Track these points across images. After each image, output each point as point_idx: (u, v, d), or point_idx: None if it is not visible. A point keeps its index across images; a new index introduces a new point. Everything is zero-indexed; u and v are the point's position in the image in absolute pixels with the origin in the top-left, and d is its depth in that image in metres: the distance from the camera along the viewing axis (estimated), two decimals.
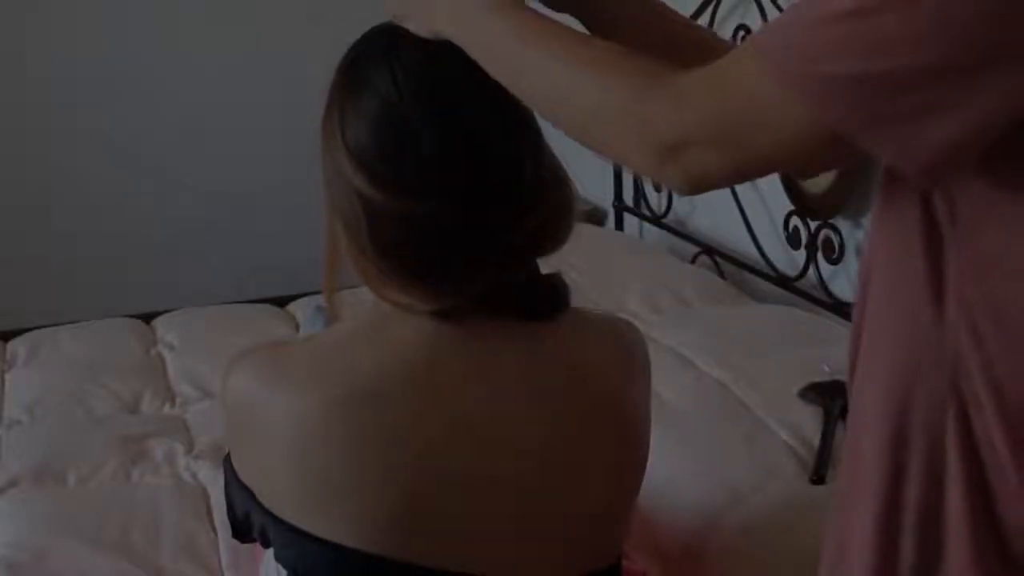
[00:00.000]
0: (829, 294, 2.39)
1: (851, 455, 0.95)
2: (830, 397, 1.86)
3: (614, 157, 0.92)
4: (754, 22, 2.55)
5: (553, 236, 1.10)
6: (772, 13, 2.46)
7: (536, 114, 1.06)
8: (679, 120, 0.83)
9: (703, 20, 2.75)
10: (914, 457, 0.86)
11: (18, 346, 2.65)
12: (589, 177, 3.36)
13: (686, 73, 0.85)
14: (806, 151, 0.81)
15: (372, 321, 1.11)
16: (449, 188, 1.04)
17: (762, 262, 2.63)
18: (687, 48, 1.07)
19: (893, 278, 0.88)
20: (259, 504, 1.12)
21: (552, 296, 1.13)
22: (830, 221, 2.38)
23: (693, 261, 2.93)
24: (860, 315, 0.94)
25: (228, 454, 1.19)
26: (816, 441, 1.82)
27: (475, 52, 0.99)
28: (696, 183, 0.85)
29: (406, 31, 1.08)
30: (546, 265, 1.14)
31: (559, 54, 0.93)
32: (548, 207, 1.09)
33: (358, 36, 1.13)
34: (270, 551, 1.16)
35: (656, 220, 3.15)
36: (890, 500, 0.87)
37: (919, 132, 0.74)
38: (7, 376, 2.50)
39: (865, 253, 0.95)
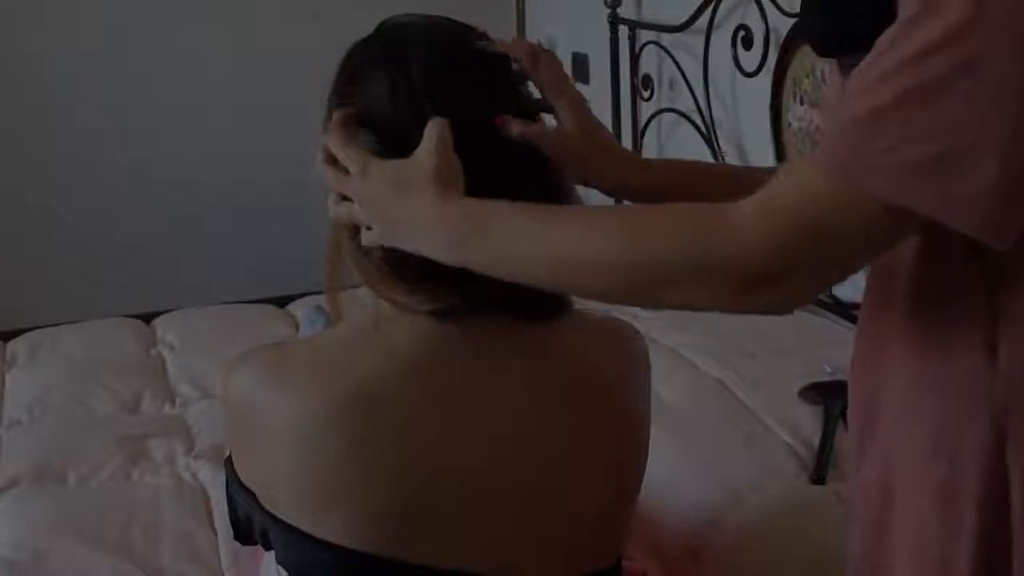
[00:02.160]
0: (830, 294, 2.39)
1: (877, 513, 0.94)
2: (830, 397, 1.86)
3: (690, 307, 0.87)
4: (754, 22, 2.56)
5: None
6: (772, 13, 2.46)
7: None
8: (754, 254, 0.80)
9: (703, 20, 2.75)
10: (968, 510, 0.86)
11: (18, 346, 2.65)
12: None
13: (736, 207, 0.82)
14: (888, 241, 0.81)
15: (372, 321, 1.11)
16: None
17: None
18: (710, 185, 1.07)
19: (935, 324, 0.87)
20: (260, 505, 1.12)
21: (552, 297, 1.13)
22: None
23: None
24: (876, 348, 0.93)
25: (229, 456, 1.18)
26: (816, 441, 1.82)
27: (496, 267, 0.94)
28: (787, 308, 0.84)
29: (407, 34, 1.08)
30: None
31: (587, 227, 0.89)
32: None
33: (358, 36, 1.13)
34: (271, 553, 1.16)
35: None
36: (946, 556, 0.87)
37: (1000, 204, 0.74)
38: (7, 376, 2.50)
39: (884, 292, 0.93)
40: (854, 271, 0.85)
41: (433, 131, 1.00)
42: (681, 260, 0.83)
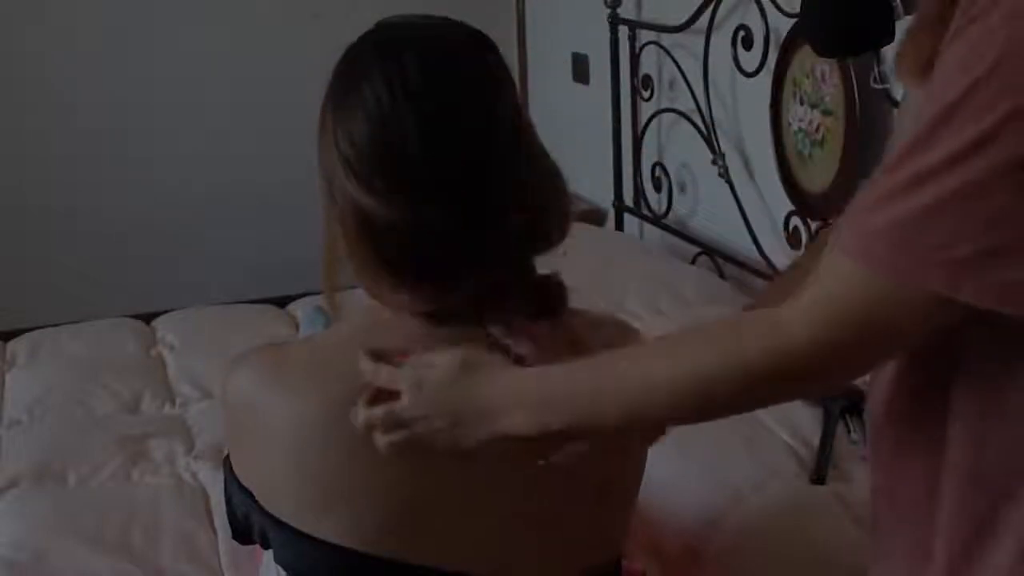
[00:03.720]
0: None
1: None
2: (830, 397, 1.86)
3: (763, 405, 0.93)
4: (754, 22, 2.56)
5: (546, 236, 1.10)
6: (772, 13, 2.46)
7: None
8: (809, 348, 0.83)
9: (703, 20, 2.76)
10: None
11: (18, 346, 2.65)
12: (589, 177, 3.37)
13: (777, 312, 0.85)
14: (935, 327, 0.82)
15: (370, 322, 1.11)
16: (441, 190, 1.04)
17: (762, 262, 2.63)
18: None
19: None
20: (259, 505, 1.12)
21: (549, 297, 1.13)
22: (830, 221, 2.38)
23: (693, 261, 2.93)
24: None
25: (227, 455, 1.19)
26: (816, 441, 1.82)
27: (585, 421, 0.95)
28: (839, 389, 0.86)
29: (402, 34, 1.08)
30: (545, 265, 1.14)
31: (651, 361, 0.93)
32: (541, 207, 1.09)
33: (357, 37, 1.13)
34: (270, 552, 1.16)
35: (656, 220, 3.15)
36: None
37: None
38: (7, 376, 2.50)
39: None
40: (905, 351, 0.90)
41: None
42: (738, 366, 0.86)
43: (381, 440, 1.00)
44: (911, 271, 0.78)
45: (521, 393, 0.97)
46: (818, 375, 0.86)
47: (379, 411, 0.99)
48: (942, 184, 0.76)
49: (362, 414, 1.00)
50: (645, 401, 0.92)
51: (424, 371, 0.99)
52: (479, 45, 1.11)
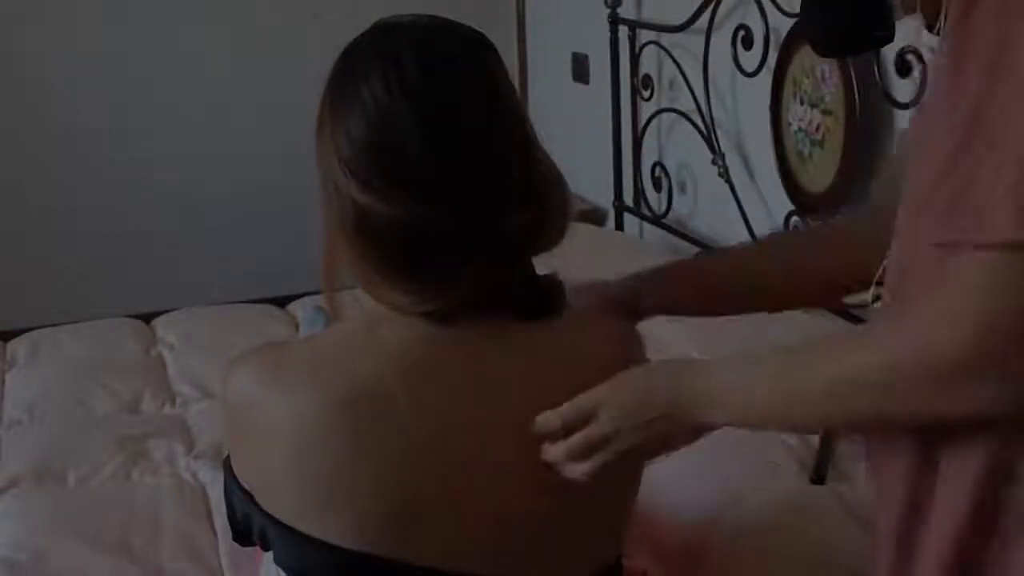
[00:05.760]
0: None
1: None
2: None
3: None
4: (754, 22, 2.56)
5: (546, 236, 1.10)
6: (772, 13, 2.46)
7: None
8: (972, 338, 0.83)
9: (703, 20, 2.76)
10: None
11: (18, 346, 2.65)
12: (589, 177, 3.37)
13: (909, 312, 0.87)
14: None
15: (369, 322, 1.11)
16: (440, 190, 1.04)
17: None
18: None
19: None
20: (258, 506, 1.12)
21: (548, 296, 1.13)
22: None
23: None
24: None
25: (227, 456, 1.18)
26: (816, 441, 1.82)
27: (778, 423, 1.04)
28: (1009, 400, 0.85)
29: (400, 33, 1.08)
30: (545, 265, 1.14)
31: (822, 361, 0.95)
32: (540, 207, 1.09)
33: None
34: (270, 553, 1.16)
35: (656, 220, 3.15)
36: None
37: None
38: (7, 376, 2.50)
39: None
40: None
41: None
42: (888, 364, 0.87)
43: (577, 470, 1.07)
44: None
45: (720, 392, 1.03)
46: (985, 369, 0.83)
47: (575, 440, 1.06)
48: None
49: (551, 453, 1.07)
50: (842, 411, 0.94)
51: (598, 395, 1.06)
52: (478, 45, 1.11)
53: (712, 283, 1.36)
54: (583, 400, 1.06)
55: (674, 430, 1.07)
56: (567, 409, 1.06)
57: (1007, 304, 0.81)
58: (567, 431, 1.06)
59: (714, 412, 1.03)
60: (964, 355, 0.82)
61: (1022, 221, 0.79)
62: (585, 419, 1.06)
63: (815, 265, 1.30)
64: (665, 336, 2.27)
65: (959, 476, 0.91)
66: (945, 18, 0.91)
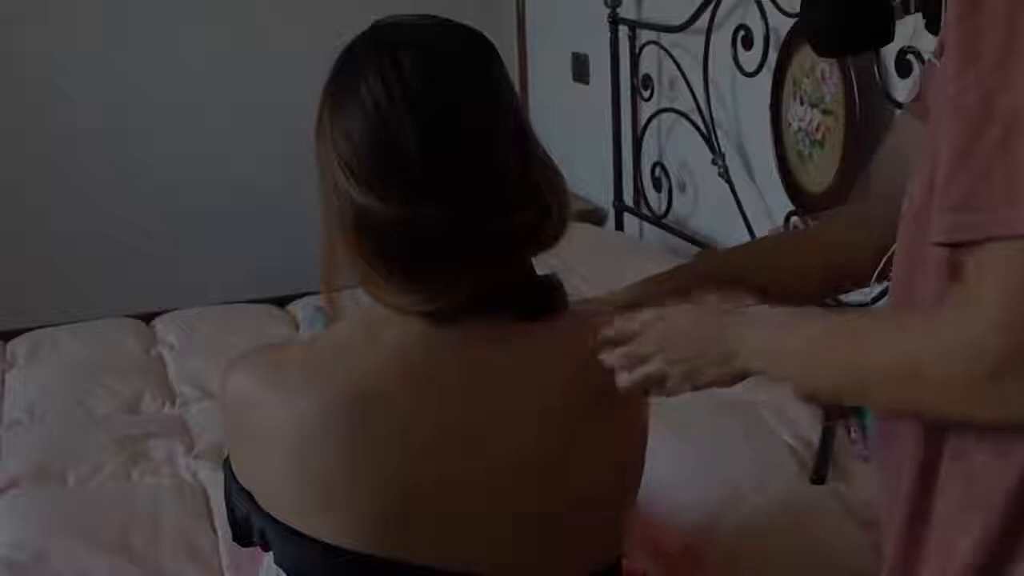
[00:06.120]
0: (833, 296, 2.39)
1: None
2: None
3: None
4: (754, 22, 2.56)
5: (545, 236, 1.10)
6: (772, 13, 2.46)
7: None
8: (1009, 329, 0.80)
9: (703, 20, 2.76)
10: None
11: (18, 346, 2.65)
12: (589, 177, 3.37)
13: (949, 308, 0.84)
14: None
15: (369, 322, 1.11)
16: (439, 190, 1.04)
17: None
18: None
19: None
20: (258, 506, 1.12)
21: (547, 296, 1.13)
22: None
23: None
24: None
25: (227, 456, 1.18)
26: (816, 441, 1.82)
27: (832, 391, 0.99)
28: None
29: (399, 33, 1.08)
30: (545, 265, 1.14)
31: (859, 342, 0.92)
32: (539, 207, 1.09)
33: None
34: (270, 553, 1.16)
35: (656, 220, 3.15)
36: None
37: None
38: (7, 376, 2.50)
39: None
40: None
41: None
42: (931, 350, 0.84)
43: (623, 379, 1.08)
44: None
45: (778, 348, 1.00)
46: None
47: (623, 350, 1.08)
48: None
49: (608, 356, 1.09)
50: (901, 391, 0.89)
51: (664, 311, 1.08)
52: (477, 45, 1.11)
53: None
54: (648, 313, 1.08)
55: (712, 371, 1.05)
56: (618, 322, 1.09)
57: None
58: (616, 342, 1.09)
59: (759, 363, 1.01)
60: (1014, 358, 0.80)
61: None
62: (631, 336, 1.08)
63: (800, 264, 1.29)
64: None
65: (966, 469, 0.91)
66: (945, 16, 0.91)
